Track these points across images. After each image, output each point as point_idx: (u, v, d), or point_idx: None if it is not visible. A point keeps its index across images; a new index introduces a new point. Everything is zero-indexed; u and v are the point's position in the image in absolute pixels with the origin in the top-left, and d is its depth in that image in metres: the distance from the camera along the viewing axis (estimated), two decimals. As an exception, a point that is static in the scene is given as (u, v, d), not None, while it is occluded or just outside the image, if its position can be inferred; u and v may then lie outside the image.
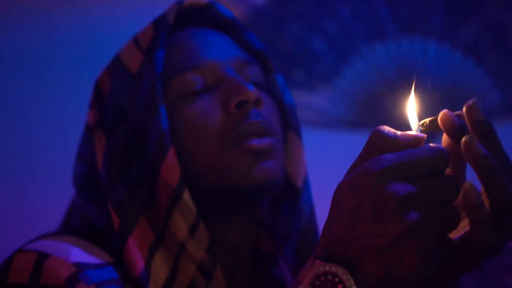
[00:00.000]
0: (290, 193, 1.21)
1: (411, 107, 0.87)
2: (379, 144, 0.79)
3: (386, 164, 0.75)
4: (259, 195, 1.10)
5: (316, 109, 2.55)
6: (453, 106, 2.18)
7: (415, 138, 0.78)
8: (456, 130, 0.77)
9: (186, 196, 1.03)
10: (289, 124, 1.20)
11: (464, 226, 0.79)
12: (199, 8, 1.15)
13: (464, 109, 0.79)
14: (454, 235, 0.79)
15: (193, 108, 1.07)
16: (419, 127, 0.83)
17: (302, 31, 2.58)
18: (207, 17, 1.16)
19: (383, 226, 0.72)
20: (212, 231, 1.07)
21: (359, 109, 2.59)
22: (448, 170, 0.81)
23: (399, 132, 0.80)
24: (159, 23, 1.10)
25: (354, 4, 2.57)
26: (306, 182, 1.27)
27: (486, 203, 0.76)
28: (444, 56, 2.56)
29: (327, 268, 0.75)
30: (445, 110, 0.80)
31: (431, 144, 0.77)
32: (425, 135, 0.80)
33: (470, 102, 0.80)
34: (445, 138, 0.81)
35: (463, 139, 0.75)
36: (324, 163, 2.46)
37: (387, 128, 0.81)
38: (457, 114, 0.80)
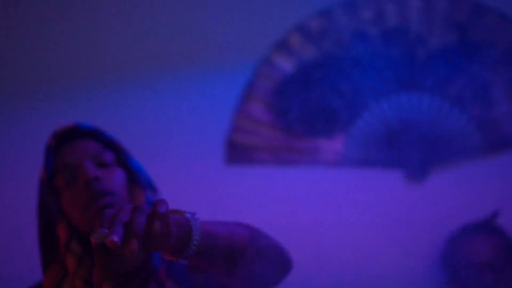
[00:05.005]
0: None
1: None
2: None
3: None
4: None
5: (334, 152, 2.88)
6: (443, 146, 2.74)
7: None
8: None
9: (73, 244, 1.53)
10: (136, 182, 1.63)
11: None
12: (74, 128, 1.64)
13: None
14: None
15: (67, 194, 1.56)
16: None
17: (322, 91, 2.92)
18: (81, 131, 1.64)
19: None
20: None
21: (369, 152, 2.89)
22: None
23: None
24: (48, 144, 1.61)
25: (363, 67, 2.90)
26: None
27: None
28: (435, 107, 2.86)
29: None
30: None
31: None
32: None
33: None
34: None
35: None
36: (341, 195, 2.83)
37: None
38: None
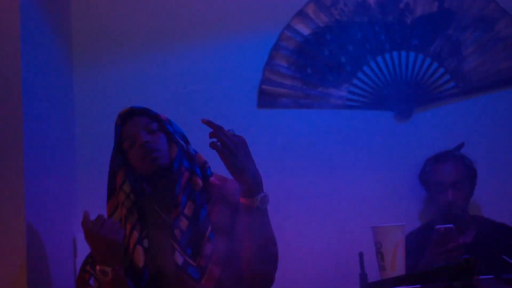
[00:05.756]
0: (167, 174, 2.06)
1: None
2: None
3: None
4: (156, 174, 2.05)
5: (340, 98, 3.11)
6: (425, 92, 3.05)
7: None
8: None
9: (125, 185, 2.04)
10: (173, 140, 2.07)
11: None
12: (131, 110, 2.08)
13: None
14: None
15: (131, 152, 2.04)
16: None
17: (332, 50, 3.11)
18: (136, 110, 2.10)
19: None
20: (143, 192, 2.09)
21: (367, 97, 3.09)
22: None
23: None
24: (116, 123, 2.08)
25: (364, 31, 3.08)
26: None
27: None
28: (419, 62, 3.09)
29: None
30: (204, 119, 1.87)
31: None
32: None
33: (205, 120, 1.85)
34: None
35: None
36: (346, 131, 3.10)
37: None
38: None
